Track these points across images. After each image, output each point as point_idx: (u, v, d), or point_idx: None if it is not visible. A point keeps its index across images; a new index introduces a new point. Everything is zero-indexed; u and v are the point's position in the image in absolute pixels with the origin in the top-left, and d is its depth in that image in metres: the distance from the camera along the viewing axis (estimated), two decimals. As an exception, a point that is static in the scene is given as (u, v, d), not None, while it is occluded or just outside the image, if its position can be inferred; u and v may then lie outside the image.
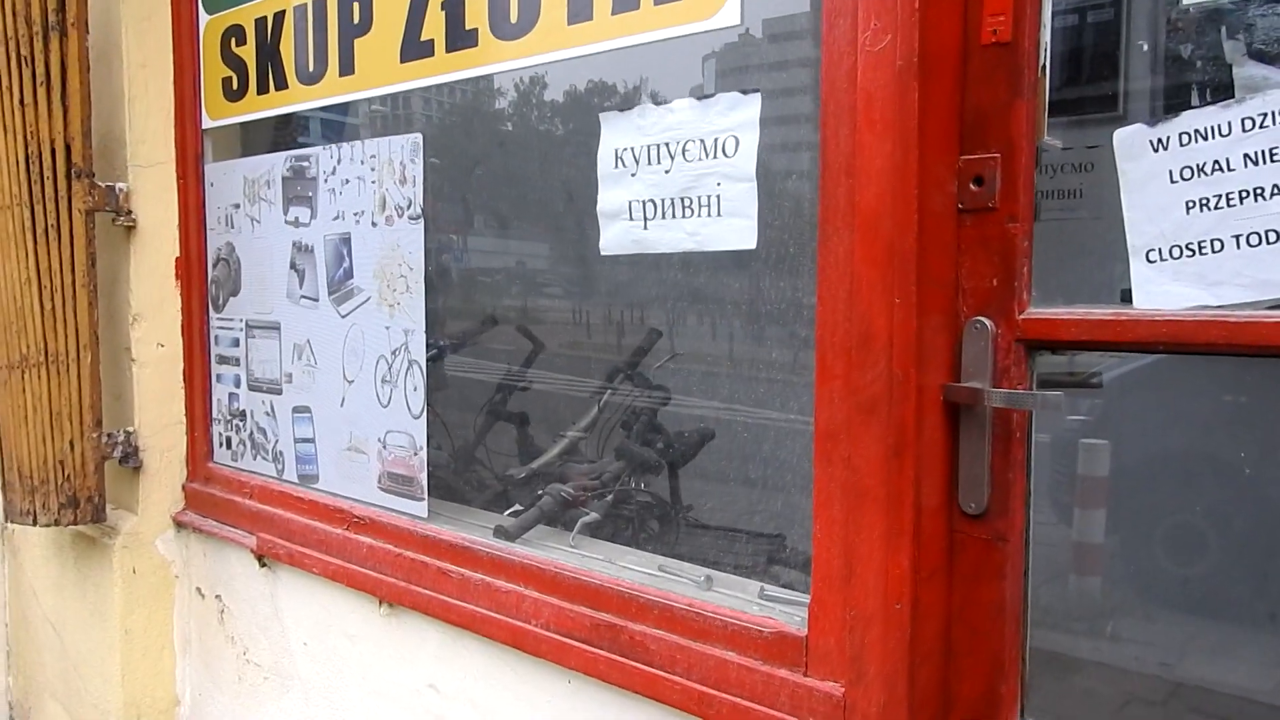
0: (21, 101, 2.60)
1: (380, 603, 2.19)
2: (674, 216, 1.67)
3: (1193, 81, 1.37)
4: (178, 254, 2.79)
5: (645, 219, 1.71)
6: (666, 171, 1.68)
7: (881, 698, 1.44)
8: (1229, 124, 1.25)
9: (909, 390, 1.40)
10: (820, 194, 1.47)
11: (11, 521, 2.80)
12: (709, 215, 1.62)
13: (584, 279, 2.03)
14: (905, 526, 1.41)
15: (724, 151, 1.60)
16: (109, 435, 2.70)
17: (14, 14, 2.58)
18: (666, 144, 1.68)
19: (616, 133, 1.75)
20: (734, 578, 1.87)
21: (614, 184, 1.76)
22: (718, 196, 1.61)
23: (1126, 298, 1.32)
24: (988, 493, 1.41)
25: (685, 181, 1.65)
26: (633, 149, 1.72)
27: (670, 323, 2.26)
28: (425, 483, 2.15)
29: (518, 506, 2.18)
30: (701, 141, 1.63)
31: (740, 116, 1.58)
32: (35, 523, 2.72)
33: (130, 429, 2.74)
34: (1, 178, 2.65)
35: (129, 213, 2.70)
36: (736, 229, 1.59)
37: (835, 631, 1.47)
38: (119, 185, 2.69)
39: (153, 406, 2.78)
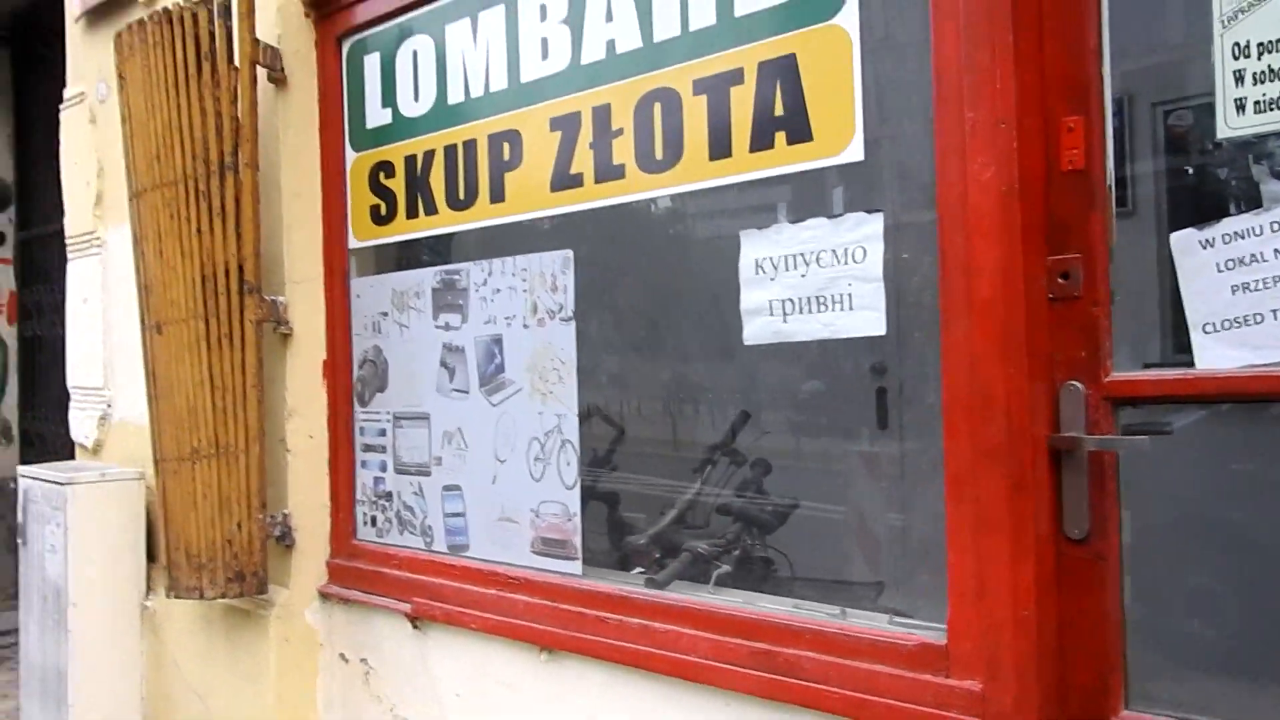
0: (198, 230, 3.02)
1: (541, 650, 2.53)
2: (811, 311, 2.08)
3: (1229, 195, 1.79)
4: (324, 357, 3.18)
5: (784, 314, 2.12)
6: (803, 276, 2.09)
7: (1014, 690, 1.79)
8: (1260, 227, 1.67)
9: (1024, 439, 1.78)
10: (941, 288, 1.87)
11: (176, 597, 3.13)
12: (842, 310, 2.03)
13: (717, 368, 2.43)
14: (1027, 548, 1.78)
15: (854, 259, 2.02)
16: (270, 517, 3.05)
17: (194, 157, 3.03)
18: (802, 254, 2.09)
19: (755, 246, 2.17)
20: (858, 611, 2.22)
21: (755, 287, 2.17)
22: (849, 294, 2.02)
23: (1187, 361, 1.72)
24: (1088, 521, 1.79)
25: (820, 284, 2.06)
26: (771, 258, 2.14)
27: (777, 405, 2.64)
28: (580, 544, 2.51)
29: (654, 561, 2.54)
30: (833, 251, 2.04)
31: (867, 230, 2.00)
32: (202, 596, 3.06)
33: (285, 511, 3.10)
34: (181, 295, 3.06)
35: (287, 322, 3.10)
36: (867, 319, 2.00)
37: (973, 638, 1.83)
38: (279, 299, 3.09)
39: (303, 491, 3.14)
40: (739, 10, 2.21)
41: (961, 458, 1.85)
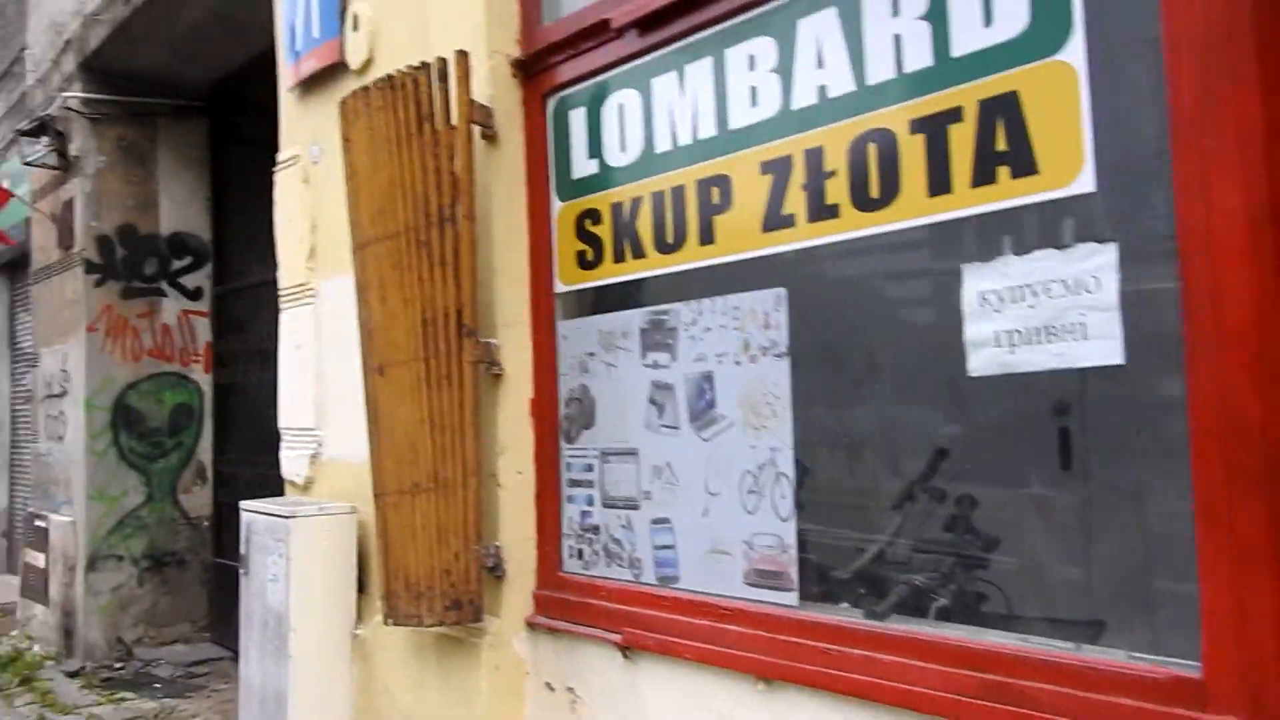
0: (420, 278, 3.23)
1: (757, 681, 2.58)
2: (1040, 342, 2.10)
3: None
4: (532, 396, 3.33)
5: (1011, 345, 2.15)
6: (1031, 307, 2.12)
7: (1278, 724, 1.76)
8: None
9: (1282, 466, 1.77)
10: (1185, 317, 1.87)
11: (395, 624, 3.30)
12: (1075, 339, 2.05)
13: (929, 401, 2.46)
14: (1290, 577, 1.76)
15: (1086, 289, 2.03)
16: (485, 548, 3.20)
17: (415, 210, 3.24)
18: (1029, 285, 2.12)
19: (979, 278, 2.21)
20: (1092, 646, 2.20)
21: (980, 319, 2.20)
22: (1083, 324, 2.04)
23: None
24: (1352, 550, 1.75)
25: (1050, 314, 2.08)
26: (996, 290, 2.17)
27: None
28: (796, 576, 2.56)
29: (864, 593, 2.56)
30: (1064, 282, 2.07)
31: (1100, 261, 2.02)
32: (420, 623, 3.22)
33: (497, 543, 3.24)
34: (402, 338, 3.26)
35: (498, 363, 3.27)
36: (1102, 348, 2.01)
37: (1233, 673, 1.81)
38: (492, 341, 3.27)
39: (511, 524, 3.28)
40: (956, 51, 2.27)
41: (1214, 487, 1.83)
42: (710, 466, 2.79)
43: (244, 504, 4.02)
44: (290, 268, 4.40)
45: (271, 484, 7.09)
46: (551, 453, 3.31)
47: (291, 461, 4.36)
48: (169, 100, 7.15)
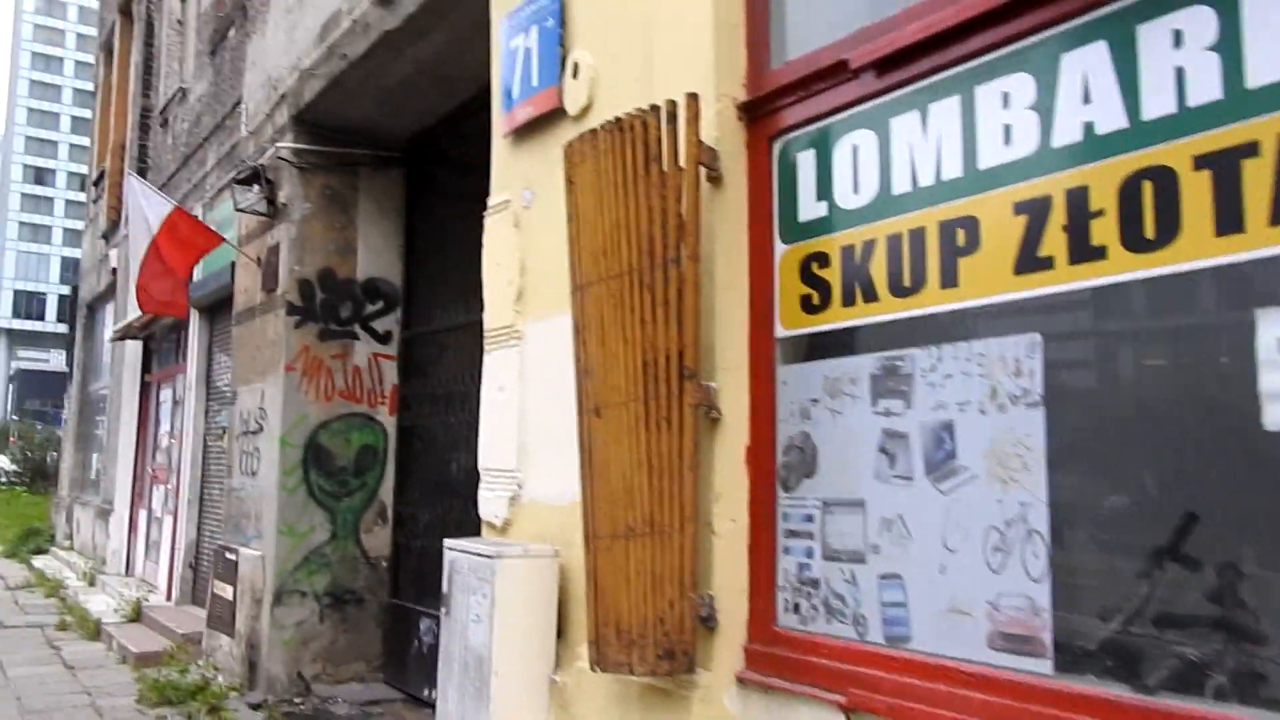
0: (642, 319, 3.21)
1: (1005, 752, 2.40)
2: (1358, 395, 1.91)
3: None
4: (748, 442, 3.26)
5: (1321, 398, 1.96)
6: (1346, 356, 1.93)
7: None
8: None
9: None
10: None
11: (604, 671, 3.25)
12: (1403, 393, 1.85)
13: (1206, 459, 2.28)
14: None
15: None
16: (699, 597, 3.12)
17: (639, 250, 3.24)
18: (1344, 333, 1.94)
19: (1278, 324, 2.03)
20: None
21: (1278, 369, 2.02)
22: None
23: None
24: None
25: (1372, 364, 1.89)
26: (1302, 338, 1.99)
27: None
28: (1051, 642, 2.39)
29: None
30: (1389, 330, 1.88)
31: None
32: (631, 672, 3.15)
33: (710, 593, 3.16)
34: (621, 379, 3.25)
35: (716, 407, 3.22)
36: None
37: None
38: (710, 384, 3.22)
39: (724, 573, 3.20)
40: (1252, 82, 2.12)
41: None
42: (949, 520, 2.65)
43: (448, 543, 4.06)
44: (496, 310, 4.48)
45: (450, 526, 7.22)
46: (767, 501, 3.22)
47: (490, 503, 4.40)
48: (370, 151, 7.48)
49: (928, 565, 2.70)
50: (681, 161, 3.22)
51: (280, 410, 7.11)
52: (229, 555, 7.64)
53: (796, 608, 3.11)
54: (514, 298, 4.35)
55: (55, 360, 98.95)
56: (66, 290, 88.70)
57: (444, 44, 5.92)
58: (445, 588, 4.02)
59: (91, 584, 11.90)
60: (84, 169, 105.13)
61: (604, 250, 3.36)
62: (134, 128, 13.20)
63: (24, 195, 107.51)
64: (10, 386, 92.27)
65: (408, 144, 7.61)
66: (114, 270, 13.46)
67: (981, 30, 2.64)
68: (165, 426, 11.50)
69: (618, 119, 3.36)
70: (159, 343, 12.21)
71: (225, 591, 7.64)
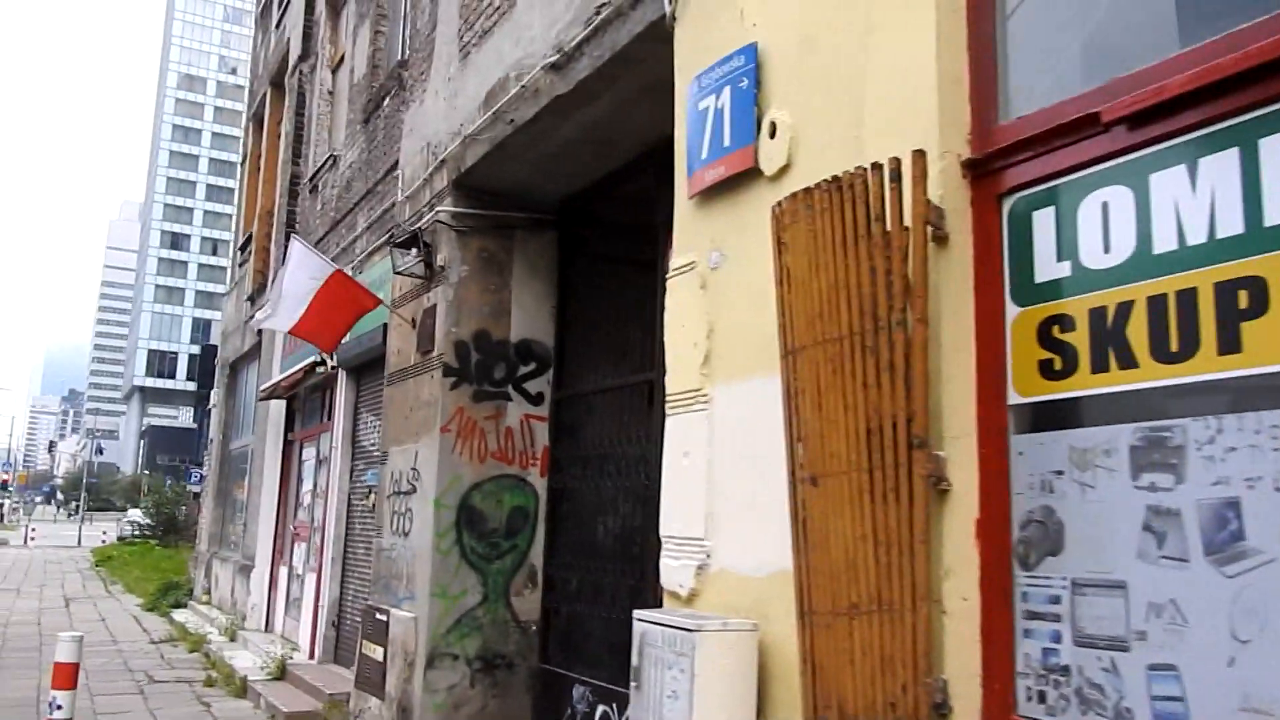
0: (864, 384, 3.07)
1: None
2: None
3: None
4: (977, 515, 3.07)
5: None
6: None
7: None
8: None
9: None
10: None
11: (825, 759, 3.05)
12: None
13: None
14: None
15: None
16: (934, 682, 2.92)
17: (860, 312, 3.10)
18: None
19: None
20: None
21: None
22: None
23: None
24: None
25: None
26: None
27: None
28: (1378, 749, 2.13)
29: None
30: None
31: None
32: (858, 762, 2.95)
33: (944, 677, 2.96)
34: (842, 447, 3.10)
35: (945, 478, 3.04)
36: None
37: None
38: (939, 454, 3.04)
39: (956, 656, 2.99)
40: None
41: None
42: (1237, 608, 2.42)
43: (639, 614, 3.94)
44: (680, 374, 4.39)
45: (599, 591, 7.11)
46: (1002, 579, 3.01)
47: (674, 571, 4.26)
48: (525, 214, 7.55)
49: (1211, 657, 2.46)
50: (906, 220, 3.09)
51: (435, 471, 7.13)
52: (379, 616, 7.65)
53: (1041, 696, 2.88)
54: (700, 361, 4.25)
55: (184, 417, 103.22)
56: (196, 350, 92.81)
57: (610, 108, 5.94)
58: (635, 660, 3.88)
59: (232, 639, 12.12)
60: (217, 234, 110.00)
61: (820, 313, 3.24)
62: (283, 193, 13.69)
63: (160, 259, 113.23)
64: (142, 442, 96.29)
65: (560, 206, 7.66)
66: (259, 332, 13.90)
67: (1268, 79, 2.46)
68: (308, 484, 11.72)
69: (835, 177, 3.26)
70: (303, 402, 12.50)
71: (375, 653, 7.64)
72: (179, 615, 15.13)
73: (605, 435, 7.23)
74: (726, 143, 4.18)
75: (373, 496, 9.46)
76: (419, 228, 7.63)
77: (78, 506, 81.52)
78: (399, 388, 8.04)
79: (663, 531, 4.41)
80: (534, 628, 7.31)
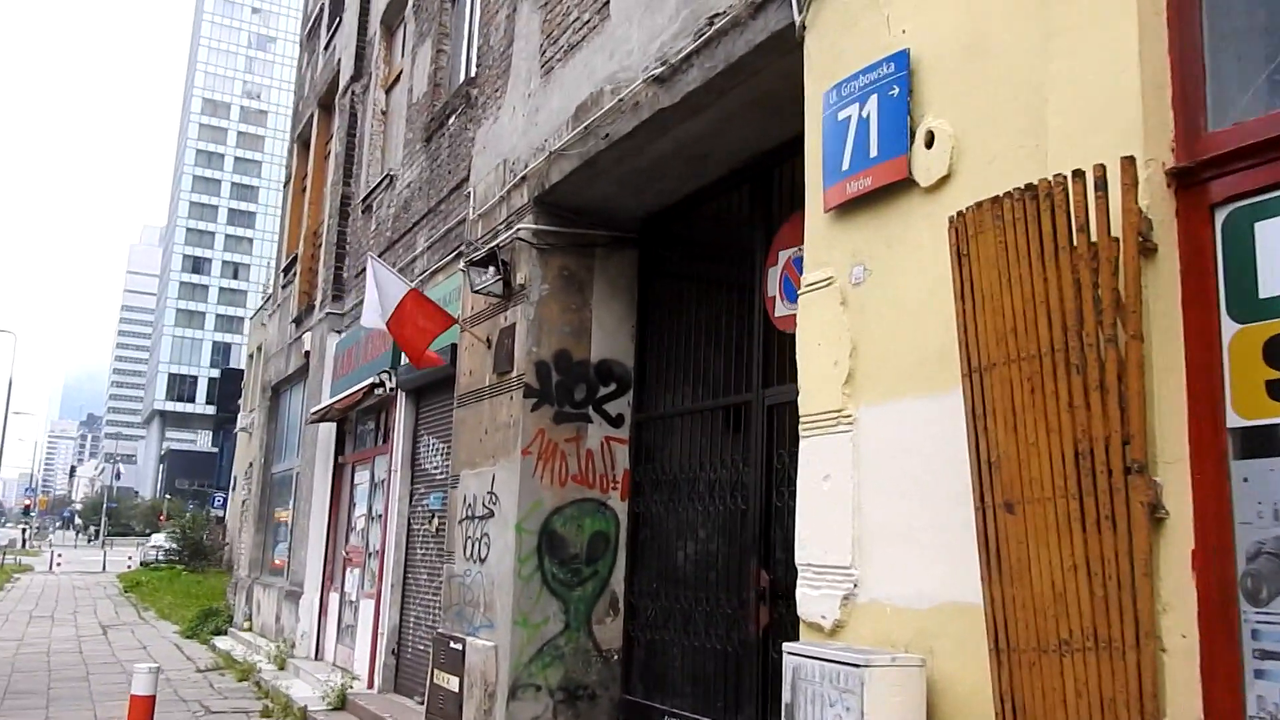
0: (1070, 404, 2.87)
1: None
2: None
3: None
4: (1193, 545, 2.86)
5: None
6: None
7: None
8: None
9: None
10: None
11: (1032, 808, 2.83)
12: None
13: None
14: None
15: None
16: (1160, 727, 2.70)
17: (1063, 328, 2.91)
18: None
19: None
20: None
21: None
22: None
23: None
24: None
25: None
26: None
27: None
28: None
29: None
30: None
31: None
32: (1075, 812, 2.73)
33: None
34: (1042, 472, 2.90)
35: (1162, 505, 2.83)
36: None
37: None
38: (1156, 479, 2.84)
39: (1177, 698, 2.77)
40: None
41: None
42: None
43: (790, 647, 3.73)
44: (818, 394, 4.19)
45: (679, 618, 6.90)
46: (1226, 615, 2.79)
47: (813, 601, 4.06)
48: (606, 232, 7.39)
49: None
50: (1115, 231, 2.90)
51: (516, 495, 6.95)
52: (453, 645, 7.45)
53: (1279, 744, 2.65)
54: (841, 380, 4.06)
55: (202, 441, 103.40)
56: (216, 373, 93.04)
57: (712, 122, 5.78)
58: (788, 697, 3.67)
59: (282, 668, 11.91)
60: (238, 258, 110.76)
61: (1013, 329, 3.05)
62: (333, 214, 13.60)
63: (181, 283, 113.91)
64: (161, 466, 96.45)
65: (641, 224, 7.51)
66: (306, 353, 13.78)
67: None
68: (361, 509, 11.54)
69: (1029, 186, 3.07)
70: (354, 425, 12.35)
71: (448, 683, 7.43)
72: (221, 643, 14.93)
73: (684, 458, 7.03)
74: (873, 153, 4.01)
75: (437, 521, 9.28)
76: (496, 245, 7.48)
77: (97, 531, 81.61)
78: (471, 409, 7.87)
79: (799, 559, 4.20)
80: (616, 657, 7.10)
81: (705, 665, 6.44)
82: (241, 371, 71.32)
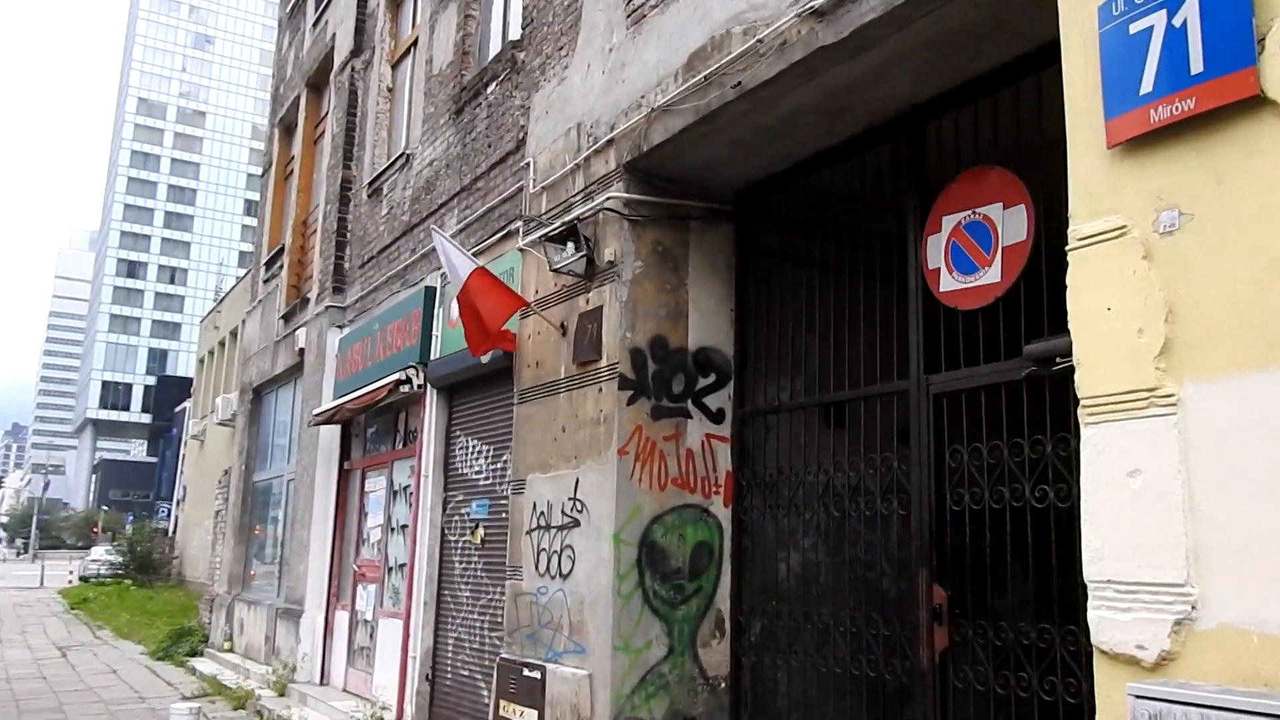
0: None
1: None
2: None
3: None
4: None
5: None
6: None
7: None
8: None
9: None
10: None
11: None
12: None
13: None
14: None
15: None
16: None
17: None
18: None
19: None
20: None
21: None
22: None
23: None
24: None
25: None
26: None
27: None
28: None
29: None
30: None
31: None
32: None
33: None
34: None
35: None
36: None
37: None
38: None
39: None
40: None
41: None
42: None
43: (1137, 687, 2.93)
44: (1109, 369, 3.40)
45: (782, 639, 6.09)
46: None
47: (1125, 627, 3.25)
48: (702, 203, 6.56)
49: None
50: None
51: (611, 501, 6.07)
52: (529, 673, 6.53)
53: None
54: (1154, 352, 3.27)
55: (136, 450, 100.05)
56: (153, 381, 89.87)
57: (871, 67, 4.99)
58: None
59: (283, 694, 10.84)
60: (175, 261, 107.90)
61: None
62: (331, 200, 12.55)
63: (115, 288, 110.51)
64: (94, 476, 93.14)
65: (737, 197, 6.69)
66: (300, 351, 12.71)
67: None
68: (376, 519, 10.51)
69: None
70: (363, 428, 11.32)
71: (521, 716, 6.52)
72: (201, 665, 13.76)
73: (785, 459, 6.26)
74: (1196, 69, 3.22)
75: (482, 531, 8.35)
76: (577, 219, 6.60)
77: (25, 544, 78.16)
78: (540, 405, 6.96)
79: (1091, 574, 3.40)
80: (723, 684, 6.24)
81: (844, 694, 5.62)
82: (180, 379, 68.87)
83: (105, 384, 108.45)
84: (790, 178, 6.37)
